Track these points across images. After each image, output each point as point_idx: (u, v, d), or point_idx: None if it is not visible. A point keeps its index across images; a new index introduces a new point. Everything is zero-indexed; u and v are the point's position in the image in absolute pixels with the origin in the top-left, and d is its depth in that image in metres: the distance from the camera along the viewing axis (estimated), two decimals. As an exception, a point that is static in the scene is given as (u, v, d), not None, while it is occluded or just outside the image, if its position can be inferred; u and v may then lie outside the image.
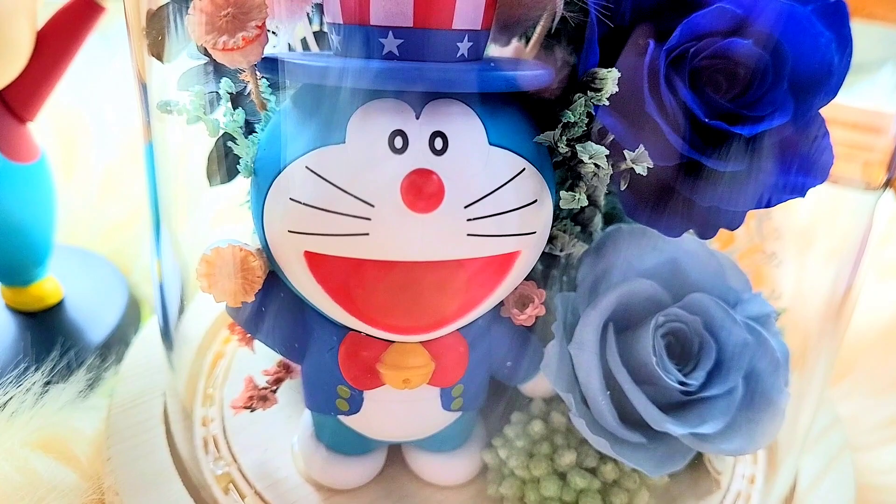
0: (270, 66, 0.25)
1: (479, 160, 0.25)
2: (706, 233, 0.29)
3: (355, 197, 0.24)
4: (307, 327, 0.30)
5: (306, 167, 0.24)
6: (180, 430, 0.35)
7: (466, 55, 0.25)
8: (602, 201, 0.31)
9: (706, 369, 0.32)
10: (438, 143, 0.24)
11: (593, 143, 0.25)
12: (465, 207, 0.24)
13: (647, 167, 0.25)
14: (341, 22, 0.25)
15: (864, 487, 0.39)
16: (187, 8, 0.23)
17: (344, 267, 0.25)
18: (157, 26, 0.28)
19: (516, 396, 0.35)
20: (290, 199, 0.25)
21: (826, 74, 0.26)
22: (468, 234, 0.24)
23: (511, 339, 0.31)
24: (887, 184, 0.30)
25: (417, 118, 0.24)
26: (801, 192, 0.27)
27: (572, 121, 0.25)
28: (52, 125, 0.61)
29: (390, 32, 0.24)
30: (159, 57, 0.28)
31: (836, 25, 0.25)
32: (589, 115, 0.25)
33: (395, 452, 0.35)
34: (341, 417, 0.32)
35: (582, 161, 0.25)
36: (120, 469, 0.33)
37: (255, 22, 0.23)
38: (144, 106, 0.30)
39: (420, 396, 0.30)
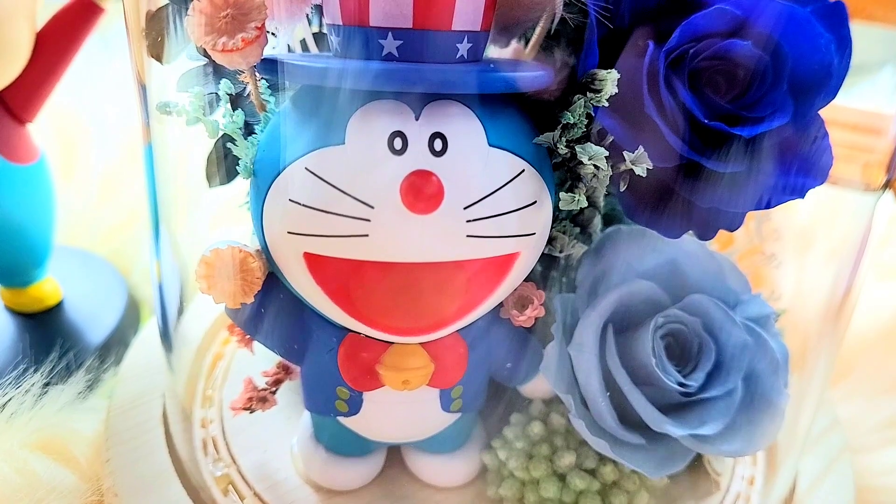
0: (270, 67, 0.25)
1: (478, 161, 0.25)
2: (706, 234, 0.29)
3: (355, 198, 0.24)
4: (306, 329, 0.29)
5: (306, 168, 0.24)
6: (179, 432, 0.35)
7: (466, 56, 0.25)
8: (601, 202, 0.31)
9: (706, 370, 0.32)
10: (438, 145, 0.24)
11: (593, 145, 0.25)
12: (465, 209, 0.24)
13: (647, 168, 0.25)
14: (341, 23, 0.25)
15: (864, 489, 0.39)
16: (186, 9, 0.23)
17: (343, 268, 0.25)
18: (156, 27, 0.28)
19: (516, 398, 0.35)
20: (290, 200, 0.25)
21: (825, 76, 0.26)
22: (468, 236, 0.24)
23: (510, 340, 0.31)
24: (887, 185, 0.30)
25: (417, 119, 0.24)
26: (801, 194, 0.27)
27: (572, 122, 0.25)
28: (51, 126, 0.61)
29: (390, 34, 0.24)
30: (159, 58, 0.28)
31: (835, 27, 0.25)
32: (588, 116, 0.25)
33: (395, 454, 0.35)
34: (341, 419, 0.32)
35: (581, 162, 0.25)
36: (119, 470, 0.33)
37: (255, 23, 0.23)
38: (144, 107, 0.30)
39: (419, 398, 0.30)
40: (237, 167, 0.27)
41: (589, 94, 0.25)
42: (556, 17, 0.26)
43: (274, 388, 0.33)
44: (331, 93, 0.25)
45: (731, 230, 0.28)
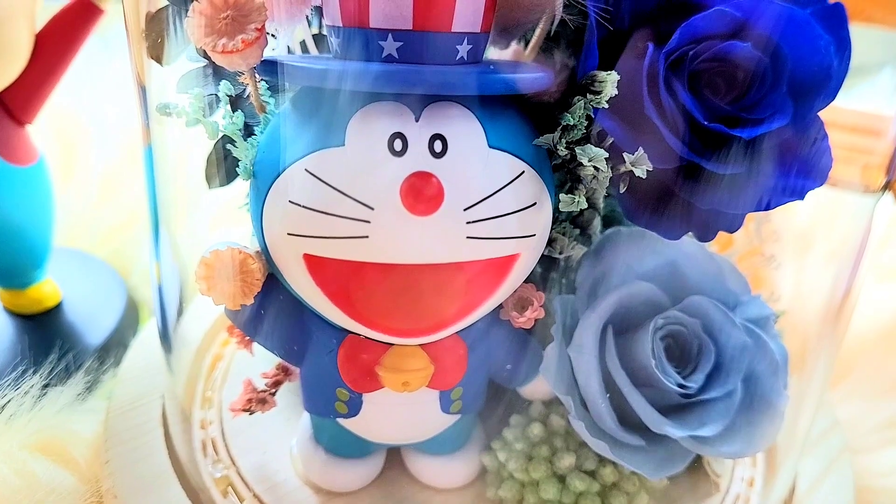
0: (270, 68, 0.25)
1: (478, 163, 0.25)
2: (705, 235, 0.29)
3: (355, 200, 0.24)
4: (306, 330, 0.29)
5: (305, 170, 0.24)
6: (179, 433, 0.35)
7: (466, 58, 0.25)
8: (601, 204, 0.31)
9: (705, 372, 0.32)
10: (438, 146, 0.24)
11: (592, 146, 0.25)
12: (465, 210, 0.24)
13: (647, 170, 0.25)
14: (341, 25, 0.25)
15: (864, 490, 0.39)
16: (186, 10, 0.23)
17: (343, 270, 0.25)
18: (156, 29, 0.28)
19: (515, 399, 0.35)
20: (290, 201, 0.25)
21: (825, 77, 0.26)
22: (467, 237, 0.24)
23: (510, 341, 0.31)
24: (886, 186, 0.30)
25: (417, 121, 0.24)
26: (801, 195, 0.28)
27: (571, 123, 0.25)
28: (50, 127, 0.61)
29: (390, 35, 0.24)
30: (158, 59, 0.28)
31: (834, 28, 0.25)
32: (588, 117, 0.25)
33: (394, 455, 0.35)
34: (340, 420, 0.32)
35: (581, 164, 0.25)
36: (118, 472, 0.33)
37: (255, 24, 0.23)
38: (143, 108, 0.30)
39: (419, 399, 0.30)
40: (237, 168, 0.27)
41: (589, 96, 0.25)
42: (556, 19, 0.26)
43: (273, 390, 0.33)
44: (331, 94, 0.25)
45: (731, 232, 0.28)
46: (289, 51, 0.31)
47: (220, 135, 0.27)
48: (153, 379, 0.39)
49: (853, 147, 0.29)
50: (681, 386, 0.31)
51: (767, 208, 0.28)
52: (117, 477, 0.33)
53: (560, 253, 0.29)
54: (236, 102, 0.28)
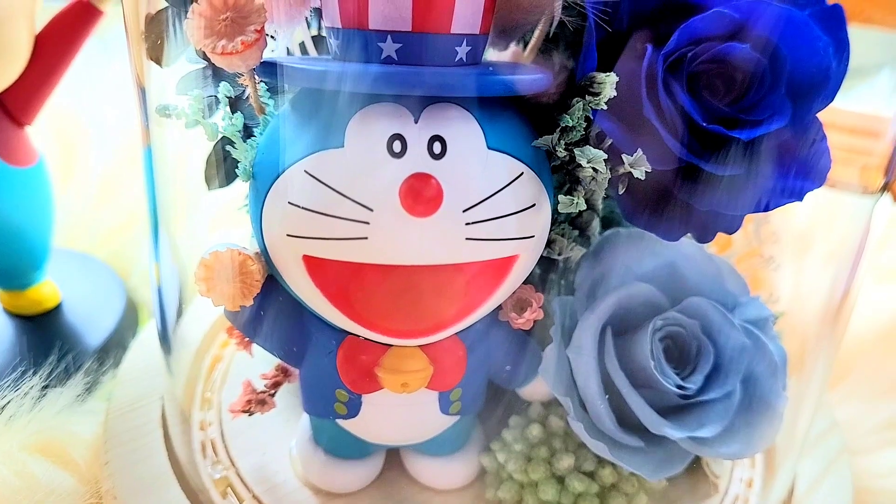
0: (269, 70, 0.25)
1: (477, 164, 0.25)
2: (704, 237, 0.29)
3: (354, 201, 0.24)
4: (305, 331, 0.29)
5: (305, 171, 0.24)
6: (178, 434, 0.35)
7: (465, 59, 0.25)
8: (600, 205, 0.31)
9: (704, 373, 0.32)
10: (437, 147, 0.24)
11: (591, 148, 0.25)
12: (464, 211, 0.24)
13: (645, 171, 0.25)
14: (340, 26, 0.25)
15: (862, 491, 0.39)
16: (186, 12, 0.23)
17: (343, 271, 0.25)
18: (155, 30, 0.28)
19: (514, 400, 0.35)
20: (289, 202, 0.25)
21: (823, 78, 0.26)
22: (467, 238, 0.24)
23: (509, 342, 0.31)
24: (885, 188, 0.30)
25: (416, 122, 0.24)
26: (799, 196, 0.28)
27: (570, 125, 0.25)
28: (50, 129, 0.61)
29: (389, 37, 0.24)
30: (158, 61, 0.28)
31: (833, 29, 0.25)
32: (587, 119, 0.25)
33: (394, 456, 0.35)
34: (339, 421, 0.32)
35: (580, 165, 0.25)
36: (118, 473, 0.33)
37: (254, 26, 0.23)
38: (143, 110, 0.30)
39: (418, 400, 0.30)
40: (236, 170, 0.27)
41: (587, 98, 0.25)
42: (555, 21, 0.26)
43: (273, 391, 0.33)
44: (330, 96, 0.25)
45: (730, 233, 0.28)
46: (288, 52, 0.31)
47: (220, 136, 0.27)
48: (153, 380, 0.39)
49: (852, 148, 0.29)
50: (680, 387, 0.31)
51: (766, 209, 0.28)
52: (117, 478, 0.33)
53: (559, 254, 0.29)
54: (236, 104, 0.28)
